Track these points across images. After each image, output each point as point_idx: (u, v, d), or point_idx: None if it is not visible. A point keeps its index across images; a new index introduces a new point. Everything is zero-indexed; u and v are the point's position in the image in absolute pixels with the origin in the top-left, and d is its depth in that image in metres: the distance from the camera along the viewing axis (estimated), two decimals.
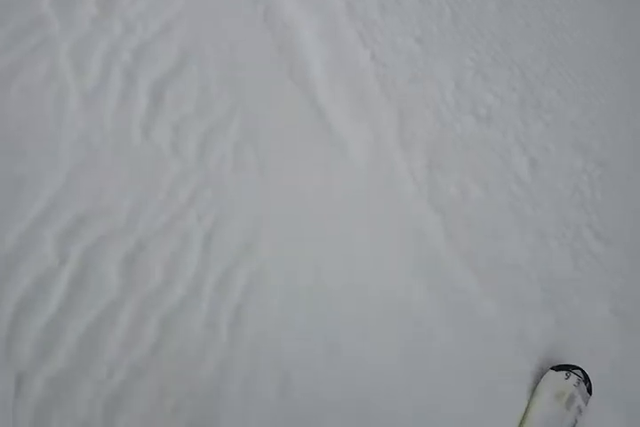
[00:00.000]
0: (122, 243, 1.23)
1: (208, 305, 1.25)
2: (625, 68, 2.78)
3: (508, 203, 1.82)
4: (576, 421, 1.48)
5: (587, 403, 1.51)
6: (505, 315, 1.58)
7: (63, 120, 1.31)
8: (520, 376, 1.52)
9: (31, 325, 1.08)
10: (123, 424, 1.08)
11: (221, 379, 1.19)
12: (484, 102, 2.04)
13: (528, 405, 1.49)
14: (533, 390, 1.51)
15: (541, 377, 1.52)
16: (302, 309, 1.35)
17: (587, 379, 1.53)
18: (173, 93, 1.48)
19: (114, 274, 1.19)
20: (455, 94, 1.99)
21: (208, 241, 1.32)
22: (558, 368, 1.53)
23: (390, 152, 1.72)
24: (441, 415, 1.40)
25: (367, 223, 1.56)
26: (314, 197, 1.52)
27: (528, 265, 1.71)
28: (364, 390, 1.33)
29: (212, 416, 1.15)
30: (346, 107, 1.73)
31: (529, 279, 1.69)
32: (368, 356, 1.37)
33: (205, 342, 1.21)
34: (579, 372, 1.53)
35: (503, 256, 1.69)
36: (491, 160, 1.90)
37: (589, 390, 1.52)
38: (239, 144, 1.49)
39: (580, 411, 1.49)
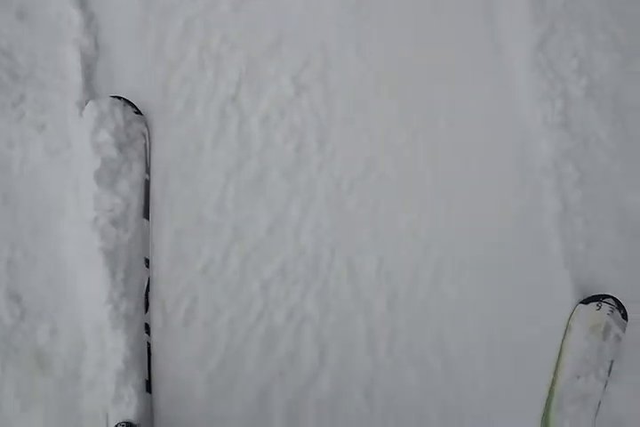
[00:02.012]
0: None
1: None
2: None
3: None
4: (616, 350, 1.50)
5: (624, 330, 1.52)
6: None
7: None
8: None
9: None
10: None
11: None
12: None
13: (562, 343, 1.51)
14: (565, 329, 1.53)
15: (571, 314, 1.53)
16: None
17: (620, 306, 1.52)
18: None
19: None
20: None
21: None
22: (588, 300, 1.53)
23: None
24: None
25: None
26: None
27: None
28: None
29: None
30: None
31: None
32: None
33: None
34: (610, 300, 1.52)
35: None
36: None
37: (625, 317, 1.52)
38: None
39: (619, 339, 1.51)
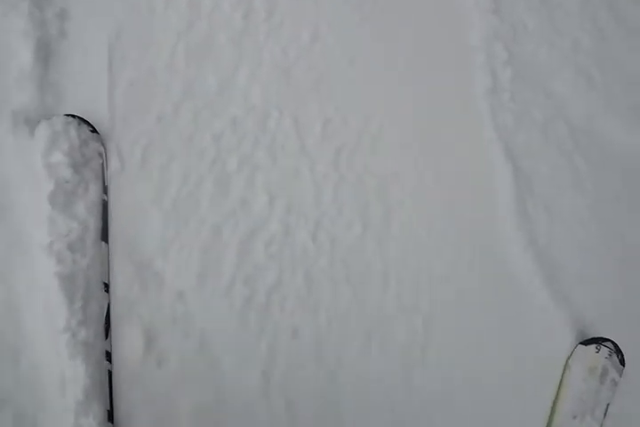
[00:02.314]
0: None
1: None
2: None
3: None
4: (612, 394, 1.49)
5: (621, 375, 1.51)
6: None
7: None
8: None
9: None
10: None
11: None
12: None
13: (560, 382, 1.50)
14: (564, 368, 1.51)
15: (571, 353, 1.52)
16: None
17: (618, 350, 1.52)
18: None
19: None
20: None
21: None
22: (588, 342, 1.51)
23: None
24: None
25: None
26: None
27: None
28: None
29: None
30: None
31: None
32: None
33: None
34: (609, 344, 1.51)
35: None
36: None
37: (622, 362, 1.52)
38: None
39: (615, 384, 1.50)
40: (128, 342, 1.36)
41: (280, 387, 1.38)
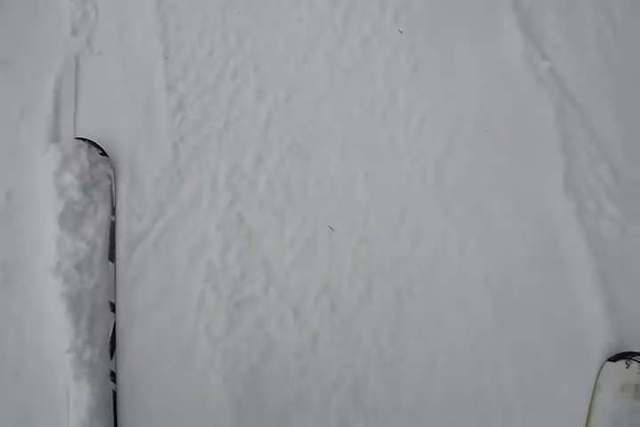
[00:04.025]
0: None
1: None
2: None
3: None
4: None
5: None
6: None
7: None
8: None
9: None
10: None
11: None
12: None
13: (591, 404, 1.39)
14: (593, 388, 1.40)
15: (599, 372, 1.41)
16: None
17: None
18: None
19: None
20: None
21: None
22: (615, 358, 1.41)
23: None
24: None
25: None
26: None
27: None
28: None
29: None
30: None
31: None
32: None
33: None
34: (639, 358, 1.41)
35: None
36: None
37: None
38: None
39: None
40: None
41: None
